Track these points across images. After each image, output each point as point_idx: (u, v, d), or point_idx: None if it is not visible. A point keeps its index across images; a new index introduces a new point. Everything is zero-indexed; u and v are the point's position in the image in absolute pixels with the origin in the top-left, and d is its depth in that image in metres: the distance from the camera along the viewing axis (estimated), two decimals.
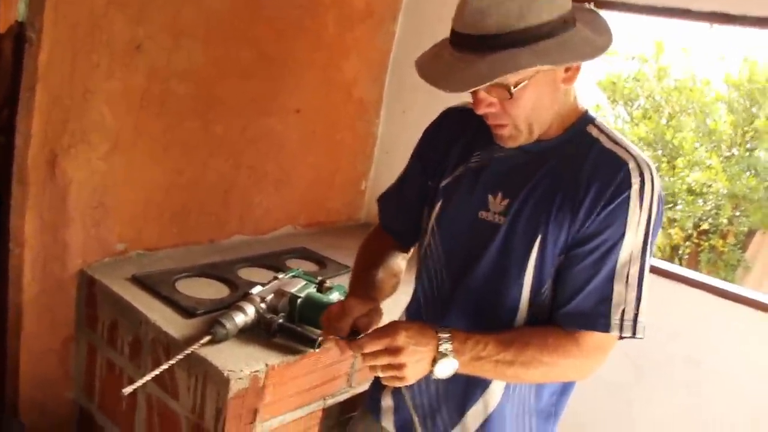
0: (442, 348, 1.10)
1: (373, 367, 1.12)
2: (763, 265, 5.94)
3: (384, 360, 1.10)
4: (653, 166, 1.16)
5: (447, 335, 1.12)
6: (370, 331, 1.17)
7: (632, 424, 2.31)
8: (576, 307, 1.17)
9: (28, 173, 1.77)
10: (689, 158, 5.81)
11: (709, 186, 5.76)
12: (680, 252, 5.93)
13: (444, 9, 2.53)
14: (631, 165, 1.14)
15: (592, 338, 1.17)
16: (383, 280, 1.37)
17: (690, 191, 5.88)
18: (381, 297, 1.34)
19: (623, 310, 1.14)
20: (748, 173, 5.68)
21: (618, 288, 1.14)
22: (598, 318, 1.15)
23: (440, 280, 1.33)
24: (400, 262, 1.48)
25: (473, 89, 1.08)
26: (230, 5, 2.05)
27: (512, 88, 1.08)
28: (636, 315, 1.15)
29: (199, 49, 2.01)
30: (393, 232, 1.50)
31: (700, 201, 5.84)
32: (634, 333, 1.15)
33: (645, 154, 1.18)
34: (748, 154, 5.80)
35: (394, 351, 1.09)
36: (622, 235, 1.13)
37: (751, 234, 6.00)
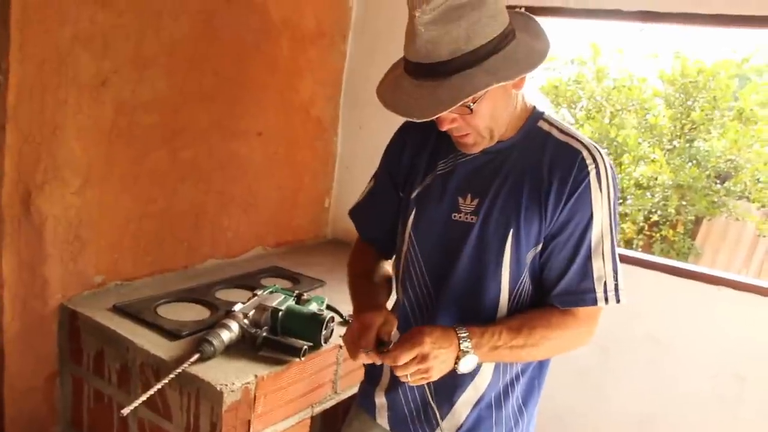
0: (463, 346, 1.22)
1: (402, 376, 1.22)
2: (712, 250, 6.18)
3: (414, 368, 1.20)
4: (602, 149, 1.29)
5: (465, 334, 1.23)
6: (395, 340, 1.25)
7: (603, 403, 2.43)
8: (564, 289, 1.29)
9: (3, 212, 1.79)
10: (634, 154, 6.00)
11: (655, 179, 5.94)
12: (634, 245, 6.11)
13: (391, 27, 2.65)
14: (585, 153, 1.26)
15: (585, 311, 1.30)
16: (381, 287, 1.47)
17: (638, 185, 6.07)
18: (385, 302, 1.43)
19: (605, 283, 1.27)
20: (690, 164, 5.91)
21: (597, 264, 1.27)
22: (585, 294, 1.28)
23: (423, 284, 1.41)
24: (387, 267, 1.57)
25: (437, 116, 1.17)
26: (189, 33, 2.12)
27: (471, 104, 1.18)
28: (616, 284, 1.28)
29: (162, 79, 2.07)
30: (374, 241, 1.58)
31: (648, 194, 6.03)
32: (618, 300, 1.28)
33: (592, 141, 1.30)
34: (688, 145, 6.03)
35: (423, 358, 1.19)
36: (591, 216, 1.26)
37: (698, 222, 6.22)
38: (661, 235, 6.14)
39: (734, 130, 5.73)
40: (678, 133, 6.11)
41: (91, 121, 1.90)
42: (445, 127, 1.24)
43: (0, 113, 1.73)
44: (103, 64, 1.89)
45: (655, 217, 6.13)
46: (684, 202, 5.94)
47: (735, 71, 5.89)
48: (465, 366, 1.23)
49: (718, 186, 5.93)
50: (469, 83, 1.12)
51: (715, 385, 2.21)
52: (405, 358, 1.19)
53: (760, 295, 2.12)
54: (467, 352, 1.21)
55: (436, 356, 1.19)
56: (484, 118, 1.23)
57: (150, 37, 2.00)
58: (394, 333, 1.30)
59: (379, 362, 1.26)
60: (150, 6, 1.99)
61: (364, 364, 1.61)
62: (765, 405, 2.14)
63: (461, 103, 1.12)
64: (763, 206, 5.94)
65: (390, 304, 1.47)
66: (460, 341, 1.22)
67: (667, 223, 6.13)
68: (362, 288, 1.47)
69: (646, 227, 6.22)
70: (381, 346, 1.25)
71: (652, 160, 5.93)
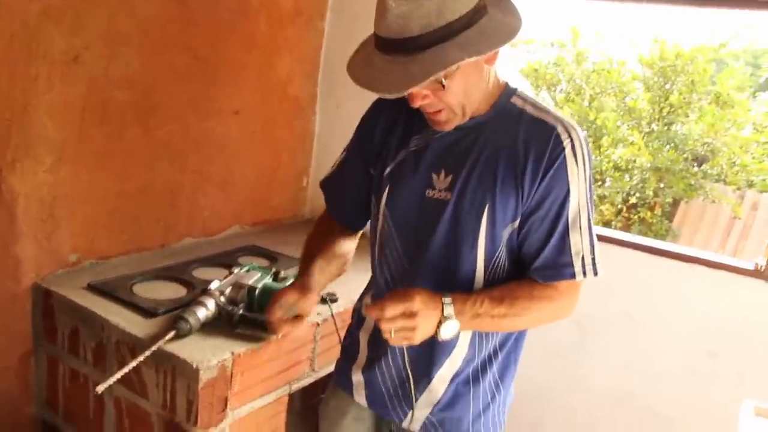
0: (446, 312, 1.22)
1: (386, 330, 1.22)
2: (689, 232, 6.26)
3: (399, 323, 1.20)
4: (576, 124, 1.29)
5: (449, 300, 1.23)
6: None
7: (580, 381, 2.46)
8: (544, 263, 1.30)
9: None
10: (613, 136, 6.05)
11: (634, 161, 6.00)
12: (612, 227, 6.16)
13: (369, 5, 2.63)
14: (559, 128, 1.26)
15: (566, 283, 1.31)
16: (323, 266, 1.49)
17: (616, 168, 6.12)
18: (323, 281, 1.49)
19: (582, 257, 1.29)
20: (667, 147, 5.97)
21: (574, 239, 1.28)
22: (564, 268, 1.29)
23: (398, 261, 1.41)
24: (347, 243, 1.57)
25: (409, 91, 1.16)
26: (162, 11, 2.08)
27: (443, 80, 1.17)
28: (593, 258, 1.30)
29: (135, 57, 2.04)
30: (339, 217, 1.58)
31: (627, 176, 6.09)
32: (595, 273, 1.30)
33: (566, 116, 1.31)
34: (666, 128, 6.08)
35: (410, 315, 1.20)
36: (567, 191, 1.26)
37: (675, 204, 6.30)
38: (639, 217, 6.20)
39: (711, 114, 5.80)
40: (656, 117, 6.16)
41: (63, 98, 1.87)
42: (417, 104, 1.23)
43: None
44: (75, 41, 1.85)
45: (633, 199, 6.20)
46: (662, 185, 6.00)
47: (712, 56, 5.95)
48: (446, 331, 1.23)
49: (696, 169, 6.00)
50: (441, 58, 1.11)
51: (689, 362, 2.25)
52: (393, 309, 1.19)
53: (731, 273, 2.16)
54: (449, 317, 1.22)
55: (423, 316, 1.20)
56: (456, 94, 1.22)
57: (122, 13, 1.96)
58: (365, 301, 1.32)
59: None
60: None
61: (341, 343, 1.62)
62: (735, 380, 2.18)
63: (433, 78, 1.11)
64: (738, 189, 6.03)
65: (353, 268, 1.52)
66: (444, 306, 1.22)
67: (645, 205, 6.20)
68: (304, 264, 1.50)
69: (624, 209, 6.28)
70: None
71: (631, 143, 5.98)
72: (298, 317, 1.47)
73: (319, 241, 1.54)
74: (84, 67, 1.90)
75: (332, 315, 1.76)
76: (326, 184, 1.60)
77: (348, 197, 1.54)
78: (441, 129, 1.32)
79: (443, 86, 1.18)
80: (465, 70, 1.18)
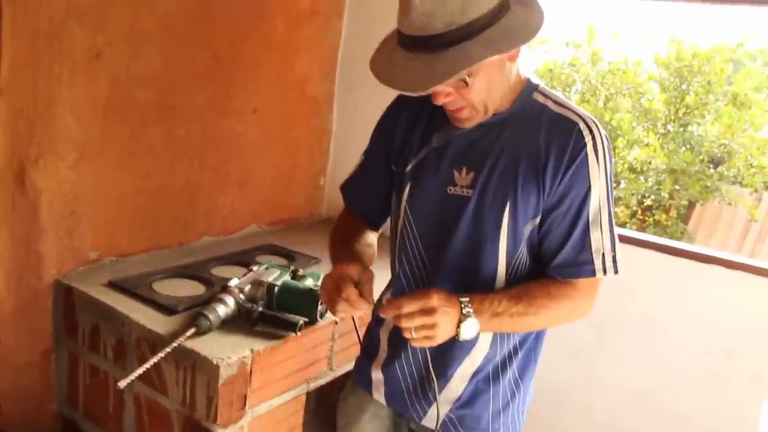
0: (464, 311, 1.21)
1: (406, 329, 1.20)
2: (704, 235, 6.21)
3: (418, 321, 1.18)
4: (597, 121, 1.29)
5: (467, 299, 1.22)
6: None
7: (598, 380, 2.45)
8: (564, 261, 1.30)
9: None
10: (628, 138, 6.01)
11: (649, 163, 5.96)
12: (627, 229, 6.13)
13: (386, 4, 2.63)
14: (581, 125, 1.26)
15: (585, 282, 1.31)
16: (362, 250, 1.46)
17: (631, 169, 6.09)
18: (365, 261, 1.41)
19: (603, 254, 1.28)
20: (683, 148, 5.92)
21: (595, 236, 1.27)
22: (583, 266, 1.29)
23: (420, 259, 1.41)
24: (372, 235, 1.56)
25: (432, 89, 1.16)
26: (184, 10, 2.10)
27: (467, 78, 1.17)
28: (614, 255, 1.29)
29: (157, 55, 2.05)
30: (359, 213, 1.57)
31: (642, 178, 6.05)
32: (615, 271, 1.29)
33: (588, 112, 1.30)
34: (682, 129, 6.04)
35: (429, 311, 1.18)
36: (589, 188, 1.26)
37: (691, 206, 6.25)
38: (654, 220, 6.16)
39: (728, 115, 5.74)
40: (672, 118, 6.12)
41: (85, 95, 1.89)
42: (440, 101, 1.23)
43: None
44: (97, 38, 1.87)
45: (648, 201, 6.16)
46: (677, 187, 5.96)
47: (729, 56, 5.90)
48: (466, 331, 1.22)
49: (712, 171, 5.95)
50: (465, 56, 1.11)
51: (707, 362, 2.23)
52: (410, 306, 1.18)
53: (751, 274, 2.14)
54: (468, 316, 1.21)
55: (442, 313, 1.19)
56: (479, 92, 1.22)
57: (144, 11, 1.98)
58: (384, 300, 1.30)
59: (360, 312, 1.27)
60: None
61: (360, 342, 1.62)
62: (753, 381, 2.17)
63: (457, 76, 1.12)
64: (755, 191, 5.97)
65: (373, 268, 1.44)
66: (462, 306, 1.21)
67: (661, 207, 6.16)
68: (342, 251, 1.44)
69: (639, 211, 6.24)
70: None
71: (646, 144, 5.95)
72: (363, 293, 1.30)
73: (345, 232, 1.53)
74: (106, 65, 1.92)
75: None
76: (347, 187, 1.59)
77: (371, 196, 1.53)
78: (463, 126, 1.32)
79: (466, 84, 1.19)
80: (488, 67, 1.18)
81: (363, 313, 1.29)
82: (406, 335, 1.21)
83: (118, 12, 1.91)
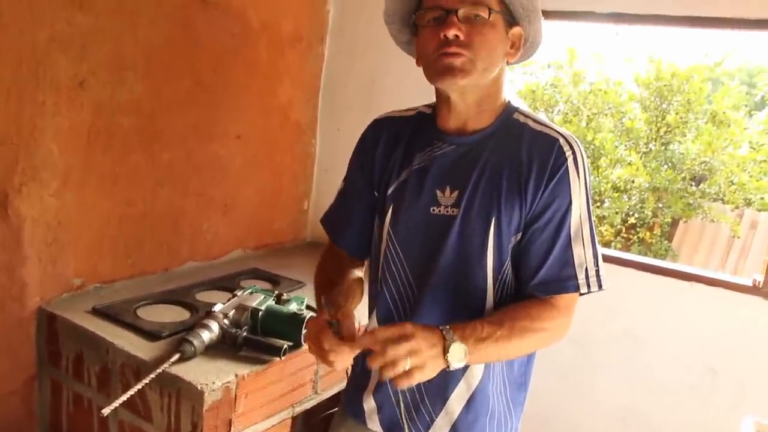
0: (447, 336, 1.15)
1: (391, 366, 1.10)
2: (688, 252, 6.27)
3: (403, 348, 1.10)
4: (577, 138, 1.31)
5: (447, 327, 1.17)
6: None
7: (583, 398, 2.46)
8: (545, 276, 1.28)
9: None
10: (611, 157, 6.07)
11: (632, 181, 6.01)
12: (612, 248, 6.17)
13: (368, 29, 2.67)
14: (561, 141, 1.28)
15: (564, 299, 1.29)
16: (344, 290, 1.41)
17: (615, 188, 6.14)
18: (348, 305, 1.38)
19: (586, 269, 1.27)
20: (665, 166, 5.99)
21: (577, 251, 1.27)
22: (567, 281, 1.27)
23: (405, 281, 1.39)
24: (357, 270, 1.52)
25: None
26: (166, 38, 2.12)
27: (489, 12, 1.22)
28: (597, 270, 1.27)
29: (140, 82, 2.07)
30: (346, 248, 1.53)
31: (625, 197, 6.11)
32: (600, 286, 1.27)
33: (567, 130, 1.33)
34: (663, 148, 6.11)
35: (408, 336, 1.11)
36: (570, 202, 1.26)
37: (674, 224, 6.31)
38: (638, 238, 6.21)
39: (708, 133, 5.83)
40: (654, 136, 6.20)
41: (69, 123, 1.90)
42: (452, 31, 1.22)
43: None
44: (81, 66, 1.89)
45: (632, 220, 6.21)
46: (660, 204, 6.02)
47: (708, 75, 6.00)
48: (454, 354, 1.15)
49: (694, 188, 6.02)
50: None
51: (689, 378, 2.26)
52: (385, 333, 1.12)
53: (730, 290, 2.17)
54: (453, 341, 1.15)
55: (423, 338, 1.12)
56: (487, 42, 1.24)
57: (128, 39, 2.01)
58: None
59: (354, 348, 1.18)
60: (127, 9, 1.99)
61: (347, 373, 1.57)
62: (735, 395, 2.19)
63: None
64: (736, 207, 6.04)
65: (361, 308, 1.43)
66: (443, 331, 1.16)
67: (644, 225, 6.21)
68: (320, 296, 1.40)
69: (624, 230, 6.29)
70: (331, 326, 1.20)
71: (629, 163, 6.00)
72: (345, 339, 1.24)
73: (331, 273, 1.48)
74: (90, 93, 1.93)
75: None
76: (329, 219, 1.56)
77: (355, 224, 1.50)
78: (450, 78, 1.27)
79: (488, 18, 1.23)
80: (497, 29, 1.25)
81: (354, 353, 1.21)
82: (387, 374, 1.10)
83: (101, 40, 1.93)
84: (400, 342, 1.11)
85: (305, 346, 1.85)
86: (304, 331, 1.83)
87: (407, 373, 1.10)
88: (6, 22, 1.72)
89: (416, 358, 1.11)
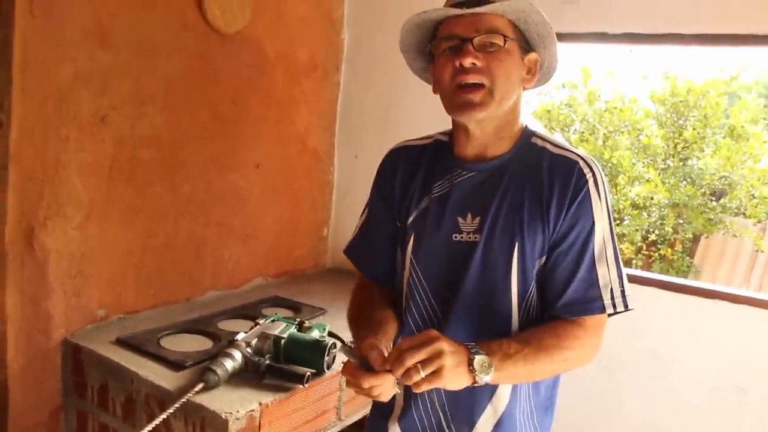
0: (472, 350, 1.15)
1: (412, 369, 1.10)
2: (711, 268, 6.20)
3: (422, 353, 1.09)
4: (596, 160, 1.31)
5: (473, 343, 1.17)
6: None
7: (609, 420, 2.43)
8: (571, 298, 1.27)
9: (7, 249, 1.82)
10: (629, 174, 6.06)
11: (651, 198, 6.00)
12: (633, 265, 6.13)
13: (382, 55, 2.69)
14: (581, 163, 1.28)
15: (593, 320, 1.28)
16: (381, 323, 1.38)
17: (634, 206, 6.12)
18: (387, 336, 1.36)
19: (611, 289, 1.26)
20: (684, 182, 5.97)
21: (602, 271, 1.26)
22: (593, 302, 1.26)
23: (429, 309, 1.38)
24: (390, 303, 1.48)
25: (486, 10, 1.22)
26: (186, 71, 2.17)
27: (504, 39, 1.23)
28: (623, 290, 1.26)
29: (159, 116, 2.12)
30: (374, 278, 1.51)
31: (645, 214, 6.08)
32: (626, 306, 1.26)
33: (585, 151, 1.33)
34: (682, 163, 6.10)
35: (432, 340, 1.11)
36: (592, 224, 1.26)
37: (696, 239, 6.26)
38: (659, 255, 6.17)
39: (726, 147, 5.81)
40: (671, 152, 6.18)
41: (92, 158, 1.94)
42: (468, 60, 1.23)
43: (2, 152, 1.77)
44: (103, 101, 1.93)
45: (652, 237, 6.17)
46: (681, 221, 5.98)
47: (724, 89, 5.99)
48: (480, 366, 1.13)
49: (714, 203, 5.98)
50: (509, 4, 1.21)
51: (717, 398, 2.22)
52: (411, 341, 1.12)
53: (755, 307, 2.15)
54: (477, 352, 1.14)
55: (448, 345, 1.11)
56: (505, 69, 1.25)
57: (147, 75, 2.05)
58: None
59: (385, 381, 1.16)
60: (147, 44, 2.04)
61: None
62: (766, 416, 2.15)
63: (514, 13, 1.22)
64: (759, 221, 5.98)
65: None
66: (469, 347, 1.16)
67: (665, 242, 6.17)
68: (357, 331, 1.39)
69: (644, 247, 6.25)
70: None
71: (647, 180, 5.99)
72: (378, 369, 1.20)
73: (357, 312, 1.47)
74: (111, 128, 1.98)
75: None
76: (354, 250, 1.54)
77: (381, 254, 1.49)
78: (470, 113, 1.28)
79: (504, 44, 1.24)
80: (513, 60, 1.26)
81: (389, 382, 1.17)
82: (413, 377, 1.10)
83: (122, 76, 1.98)
84: (425, 346, 1.11)
85: (328, 373, 1.86)
86: (326, 359, 1.84)
87: (426, 378, 1.10)
88: (32, 60, 1.76)
89: (437, 362, 1.10)
